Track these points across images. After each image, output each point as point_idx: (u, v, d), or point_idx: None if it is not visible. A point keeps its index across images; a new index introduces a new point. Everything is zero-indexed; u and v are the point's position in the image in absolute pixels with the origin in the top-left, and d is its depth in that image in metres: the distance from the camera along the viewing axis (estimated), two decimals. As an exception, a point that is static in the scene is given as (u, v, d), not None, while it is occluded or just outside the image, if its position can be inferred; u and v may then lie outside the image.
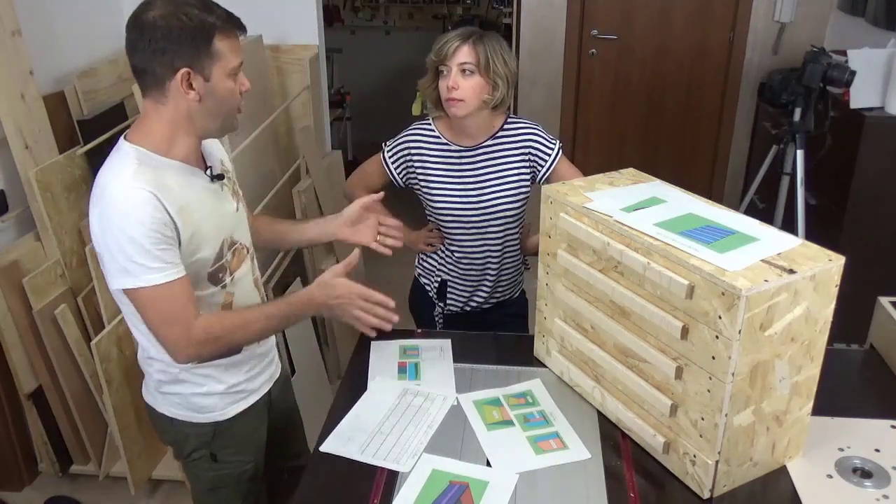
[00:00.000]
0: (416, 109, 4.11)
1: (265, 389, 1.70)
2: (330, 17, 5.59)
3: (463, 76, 1.81)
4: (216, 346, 1.45)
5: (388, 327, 1.61)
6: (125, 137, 1.44)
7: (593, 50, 4.05)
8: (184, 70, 1.34)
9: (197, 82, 1.36)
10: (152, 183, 1.35)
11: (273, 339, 1.75)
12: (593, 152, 4.23)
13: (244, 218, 1.62)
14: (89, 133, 2.47)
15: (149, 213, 1.33)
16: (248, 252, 1.61)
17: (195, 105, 1.38)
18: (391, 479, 1.41)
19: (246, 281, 1.60)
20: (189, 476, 1.75)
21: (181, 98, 1.37)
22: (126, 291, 1.38)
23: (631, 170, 1.73)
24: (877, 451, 1.45)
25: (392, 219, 1.85)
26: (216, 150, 1.60)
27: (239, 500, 1.73)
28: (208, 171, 1.49)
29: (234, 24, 1.40)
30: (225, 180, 1.54)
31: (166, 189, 1.37)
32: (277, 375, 1.77)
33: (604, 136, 4.24)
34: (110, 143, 2.46)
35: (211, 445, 1.63)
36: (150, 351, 1.54)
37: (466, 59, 1.81)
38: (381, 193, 1.84)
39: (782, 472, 1.41)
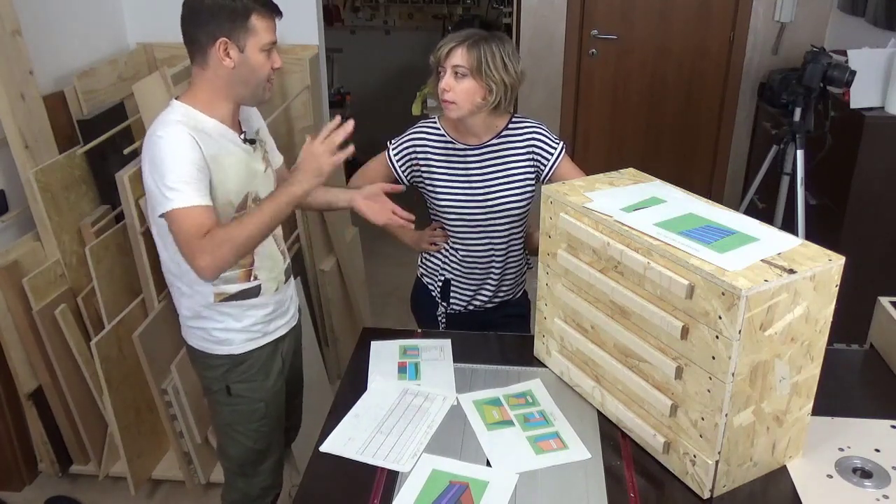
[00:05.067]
0: (416, 109, 4.11)
1: (279, 333, 1.88)
2: (330, 17, 5.59)
3: (455, 79, 1.82)
4: (227, 251, 1.54)
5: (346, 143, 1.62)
6: (175, 98, 1.67)
7: (593, 50, 4.05)
8: (222, 39, 1.58)
9: (233, 51, 1.59)
10: (193, 129, 1.58)
11: (291, 289, 1.94)
12: (593, 152, 4.23)
13: (271, 179, 1.83)
14: (89, 133, 2.47)
15: (187, 148, 1.55)
16: None
17: (230, 72, 1.61)
18: (391, 479, 1.41)
19: None
20: (212, 416, 1.98)
21: (219, 64, 1.60)
22: (165, 216, 1.56)
23: (631, 170, 1.73)
24: (877, 451, 1.45)
25: (406, 212, 1.89)
26: (255, 119, 1.83)
27: (250, 442, 1.90)
28: (242, 135, 1.72)
29: (270, 8, 1.63)
30: (257, 145, 1.77)
31: (204, 138, 1.60)
32: (293, 325, 1.96)
33: (604, 136, 4.23)
34: (110, 143, 2.49)
35: (226, 378, 1.83)
36: (182, 288, 1.76)
37: (459, 62, 1.81)
38: (402, 187, 1.94)
39: (782, 472, 1.41)
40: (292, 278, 1.96)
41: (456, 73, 1.82)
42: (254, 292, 1.78)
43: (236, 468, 1.95)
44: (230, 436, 1.90)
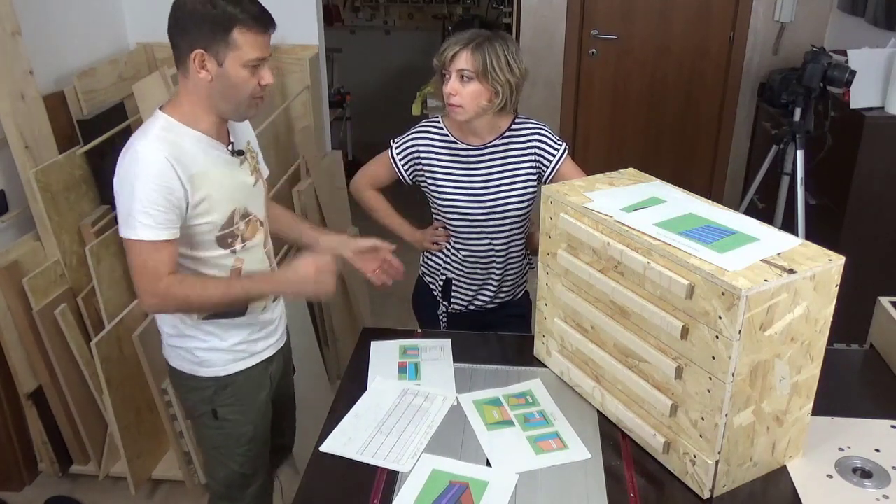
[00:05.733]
0: (416, 109, 4.10)
1: (267, 354, 1.79)
2: (330, 17, 5.59)
3: (461, 82, 1.82)
4: (176, 305, 1.56)
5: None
6: (160, 108, 1.58)
7: (593, 50, 4.05)
8: (198, 51, 1.47)
9: (210, 64, 1.49)
10: (171, 149, 1.48)
11: (280, 309, 1.84)
12: (593, 152, 4.23)
13: (261, 193, 1.73)
14: (89, 133, 2.47)
15: (158, 175, 1.46)
16: (261, 225, 1.72)
17: (208, 84, 1.51)
18: (391, 479, 1.41)
19: (257, 250, 1.71)
20: (198, 440, 1.86)
21: (196, 75, 1.50)
22: (123, 240, 1.51)
23: (631, 170, 1.73)
24: (877, 451, 1.45)
25: (397, 260, 1.85)
26: (246, 131, 1.72)
27: (237, 465, 1.82)
28: (230, 147, 1.62)
29: (259, 22, 1.49)
30: (246, 157, 1.66)
31: (184, 156, 1.50)
32: (282, 345, 1.86)
33: (604, 136, 4.23)
34: (110, 143, 2.49)
35: (213, 401, 1.74)
36: None
37: (465, 65, 1.81)
38: (394, 246, 1.86)
39: (782, 472, 1.41)
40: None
41: (462, 76, 1.81)
42: (239, 311, 1.69)
43: (223, 490, 1.87)
44: (217, 459, 1.83)
